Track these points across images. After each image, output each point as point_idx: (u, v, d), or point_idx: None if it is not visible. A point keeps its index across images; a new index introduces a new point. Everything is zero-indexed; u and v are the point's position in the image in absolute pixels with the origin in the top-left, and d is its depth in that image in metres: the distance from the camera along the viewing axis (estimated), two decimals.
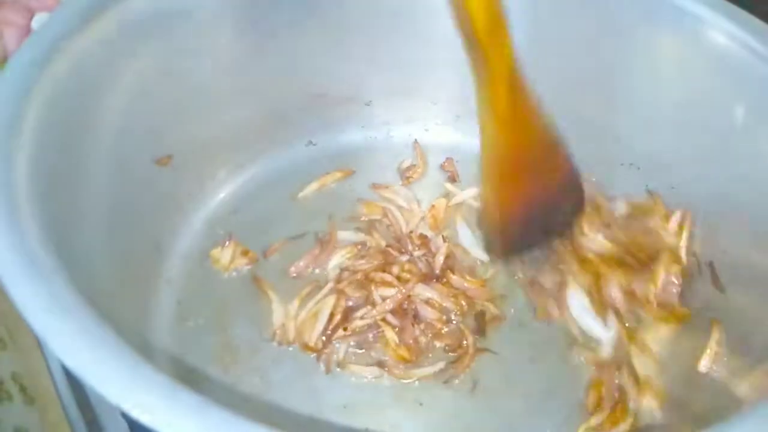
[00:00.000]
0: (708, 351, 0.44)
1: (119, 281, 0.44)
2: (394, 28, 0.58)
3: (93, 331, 0.25)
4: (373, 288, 0.51)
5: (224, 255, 0.53)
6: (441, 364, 0.48)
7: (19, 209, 0.29)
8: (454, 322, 0.51)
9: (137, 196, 0.47)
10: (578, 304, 0.51)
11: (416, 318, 0.50)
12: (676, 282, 0.51)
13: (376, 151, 0.64)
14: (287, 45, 0.55)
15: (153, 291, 0.50)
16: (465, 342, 0.49)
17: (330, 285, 0.52)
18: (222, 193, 0.57)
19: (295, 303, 0.51)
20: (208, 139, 0.54)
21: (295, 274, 0.53)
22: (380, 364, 0.48)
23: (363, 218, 0.58)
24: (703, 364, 0.44)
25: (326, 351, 0.48)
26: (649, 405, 0.47)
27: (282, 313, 0.50)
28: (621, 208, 0.56)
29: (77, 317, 0.25)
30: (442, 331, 0.50)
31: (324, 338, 0.49)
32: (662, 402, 0.47)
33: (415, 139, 0.64)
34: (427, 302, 0.51)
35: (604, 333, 0.50)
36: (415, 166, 0.63)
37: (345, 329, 0.49)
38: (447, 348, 0.50)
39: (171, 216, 0.53)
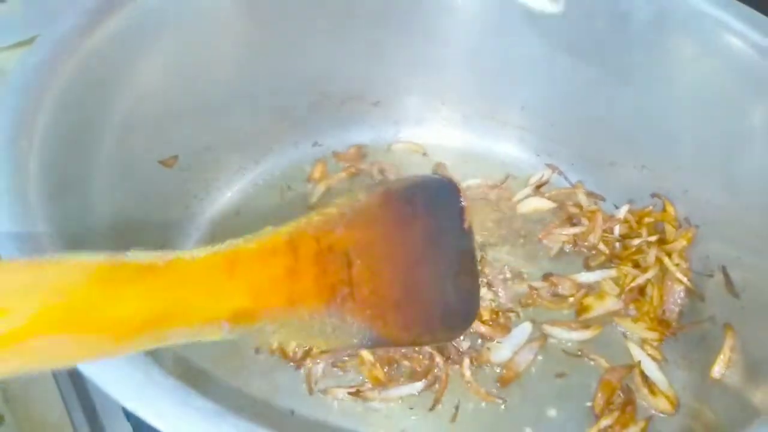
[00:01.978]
0: (721, 357, 0.44)
1: None
2: (402, 28, 0.57)
3: None
4: None
5: None
6: (419, 385, 0.46)
7: (31, 212, 0.29)
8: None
9: (143, 197, 0.46)
10: None
11: None
12: (679, 301, 0.50)
13: (383, 152, 0.63)
14: (294, 45, 0.54)
15: None
16: (437, 367, 0.47)
17: None
18: (228, 193, 0.57)
19: None
20: (214, 139, 0.54)
21: None
22: (357, 390, 0.46)
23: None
24: (717, 370, 0.44)
25: (305, 362, 0.47)
26: (661, 410, 0.46)
27: None
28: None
29: None
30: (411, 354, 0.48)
31: (303, 349, 0.48)
32: (675, 407, 0.46)
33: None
34: None
35: None
36: None
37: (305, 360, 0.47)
38: (413, 372, 0.47)
39: (176, 217, 0.53)
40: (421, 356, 0.48)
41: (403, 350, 0.48)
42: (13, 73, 0.34)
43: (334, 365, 0.47)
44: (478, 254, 0.54)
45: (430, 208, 0.36)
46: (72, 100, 0.37)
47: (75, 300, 0.21)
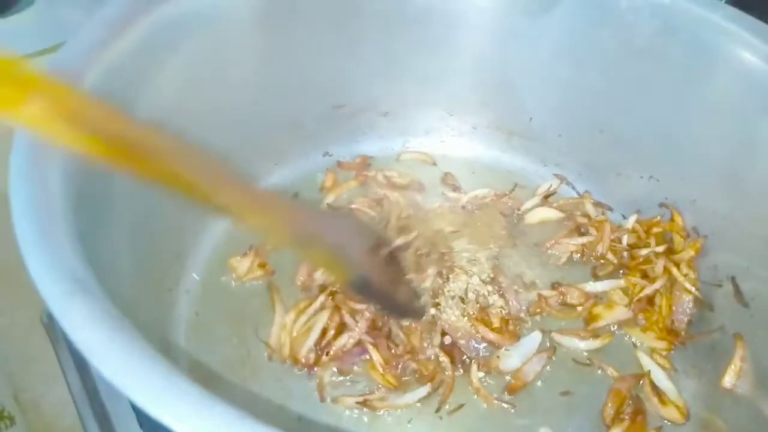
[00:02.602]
0: (732, 367, 0.44)
1: (140, 292, 0.44)
2: (411, 40, 0.58)
3: (128, 344, 0.25)
4: (343, 309, 0.50)
5: (242, 264, 0.54)
6: (424, 390, 0.47)
7: (53, 221, 0.29)
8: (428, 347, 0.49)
9: (159, 207, 0.47)
10: None
11: (390, 337, 0.49)
12: (688, 311, 0.51)
13: (392, 161, 0.64)
14: (306, 57, 0.55)
15: (172, 301, 0.50)
16: (446, 372, 0.48)
17: (321, 299, 0.51)
18: None
19: (291, 316, 0.50)
20: (228, 149, 0.54)
21: (299, 284, 0.53)
22: (365, 400, 0.46)
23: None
24: (728, 380, 0.44)
25: (316, 368, 0.48)
26: (671, 420, 0.46)
27: (279, 327, 0.50)
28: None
29: (112, 329, 0.25)
30: (418, 356, 0.48)
31: (315, 354, 0.48)
32: (685, 417, 0.46)
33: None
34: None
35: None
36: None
37: (327, 353, 0.48)
38: (420, 375, 0.48)
39: (191, 226, 0.53)
40: (428, 360, 0.48)
41: (408, 354, 0.48)
42: None
43: (341, 372, 0.48)
44: (492, 262, 0.55)
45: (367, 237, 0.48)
46: None
47: None
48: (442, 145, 0.65)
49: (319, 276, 0.53)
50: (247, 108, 0.54)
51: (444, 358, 0.48)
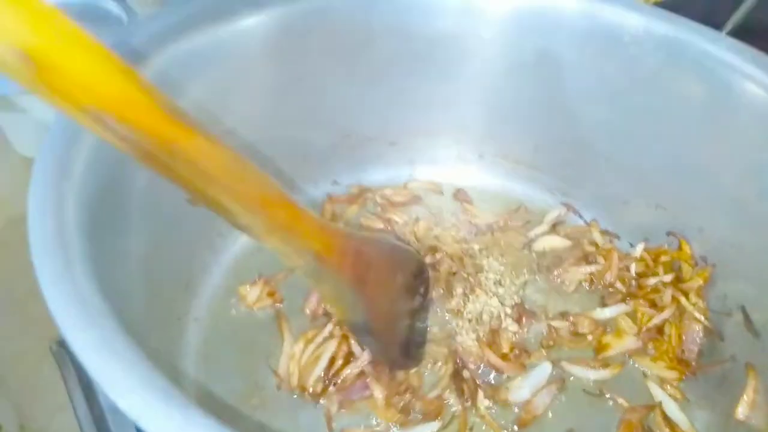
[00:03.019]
0: (745, 397, 0.44)
1: (151, 321, 0.44)
2: (419, 72, 0.59)
3: (143, 375, 0.25)
4: (351, 338, 0.49)
5: (252, 293, 0.54)
6: (435, 425, 0.46)
7: (69, 253, 0.30)
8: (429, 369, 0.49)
9: (171, 235, 0.47)
10: None
11: (392, 373, 0.49)
12: (698, 341, 0.50)
13: (399, 189, 0.64)
14: (315, 88, 0.56)
15: (181, 330, 0.50)
16: (455, 407, 0.47)
17: (329, 327, 0.51)
18: None
19: (300, 345, 0.50)
20: None
21: (308, 313, 0.53)
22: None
23: None
24: (741, 411, 0.44)
25: (323, 398, 0.47)
26: None
27: (288, 356, 0.50)
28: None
29: (127, 361, 0.26)
30: (422, 395, 0.48)
31: (323, 384, 0.48)
32: None
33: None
34: None
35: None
36: None
37: (335, 384, 0.48)
38: (424, 414, 0.47)
39: (201, 254, 0.54)
40: (432, 399, 0.48)
41: (409, 392, 0.48)
42: (57, 118, 0.36)
43: (341, 406, 0.47)
44: (520, 287, 0.56)
45: (406, 268, 0.48)
46: (106, 145, 0.38)
47: None
48: (448, 174, 0.66)
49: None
50: (257, 137, 0.55)
51: (448, 395, 0.48)
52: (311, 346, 0.50)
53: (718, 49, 0.49)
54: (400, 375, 0.49)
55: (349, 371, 0.48)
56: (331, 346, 0.50)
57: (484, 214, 0.62)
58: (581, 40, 0.54)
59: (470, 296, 0.53)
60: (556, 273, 0.57)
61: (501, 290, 0.55)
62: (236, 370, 0.49)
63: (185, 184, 0.30)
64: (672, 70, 0.51)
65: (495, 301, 0.54)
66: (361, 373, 0.48)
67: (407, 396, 0.47)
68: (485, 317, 0.52)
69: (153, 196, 0.44)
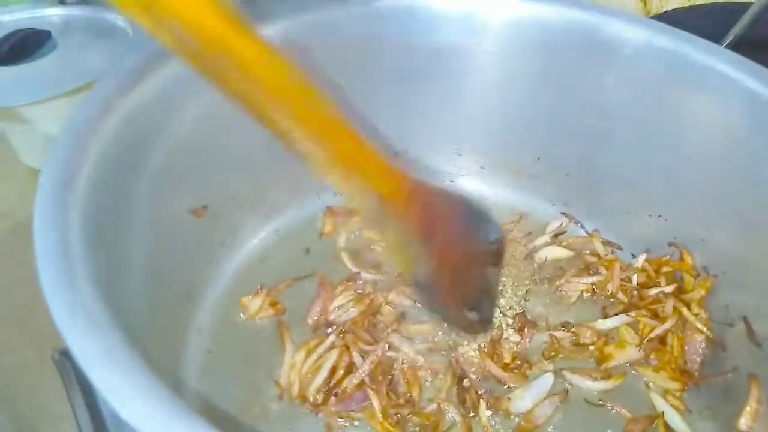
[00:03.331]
0: (748, 408, 0.44)
1: (153, 331, 0.44)
2: (420, 83, 0.59)
3: (146, 386, 0.25)
4: (353, 348, 0.50)
5: (254, 303, 0.54)
6: None
7: (74, 264, 0.30)
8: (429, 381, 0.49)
9: (173, 247, 0.48)
10: None
11: (391, 385, 0.49)
12: (701, 351, 0.50)
13: None
14: None
15: (184, 340, 0.51)
16: (457, 417, 0.47)
17: (331, 338, 0.51)
18: (254, 240, 0.59)
19: (302, 355, 0.50)
20: (241, 189, 0.56)
21: (311, 323, 0.53)
22: None
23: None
24: (744, 423, 0.43)
25: (324, 408, 0.47)
26: None
27: (289, 366, 0.50)
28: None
29: (130, 371, 0.26)
30: (420, 408, 0.47)
31: (324, 394, 0.48)
32: None
33: None
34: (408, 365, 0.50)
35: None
36: None
37: (336, 394, 0.48)
38: (421, 428, 0.47)
39: (204, 265, 0.54)
40: (431, 412, 0.48)
41: (408, 405, 0.48)
42: (63, 131, 0.36)
43: (340, 416, 0.47)
44: (521, 297, 0.56)
45: (480, 231, 0.46)
46: (112, 155, 0.39)
47: None
48: (450, 185, 0.66)
49: (332, 314, 0.53)
50: (260, 149, 0.55)
51: (448, 406, 0.48)
52: (313, 356, 0.50)
53: (718, 62, 0.49)
54: (402, 386, 0.49)
55: (350, 382, 0.48)
56: (333, 356, 0.50)
57: None
58: (582, 52, 0.54)
59: None
60: (557, 284, 0.57)
61: (502, 300, 0.55)
62: (238, 380, 0.49)
63: (241, 99, 0.29)
64: (672, 82, 0.51)
65: (496, 311, 0.54)
66: (361, 383, 0.48)
67: (405, 410, 0.47)
68: None
69: (156, 208, 0.45)
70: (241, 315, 0.54)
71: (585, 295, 0.57)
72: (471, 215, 0.45)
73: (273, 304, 0.54)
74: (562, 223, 0.63)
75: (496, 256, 0.49)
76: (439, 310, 0.46)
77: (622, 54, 0.52)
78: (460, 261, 0.43)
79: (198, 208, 0.51)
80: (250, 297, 0.54)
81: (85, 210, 0.34)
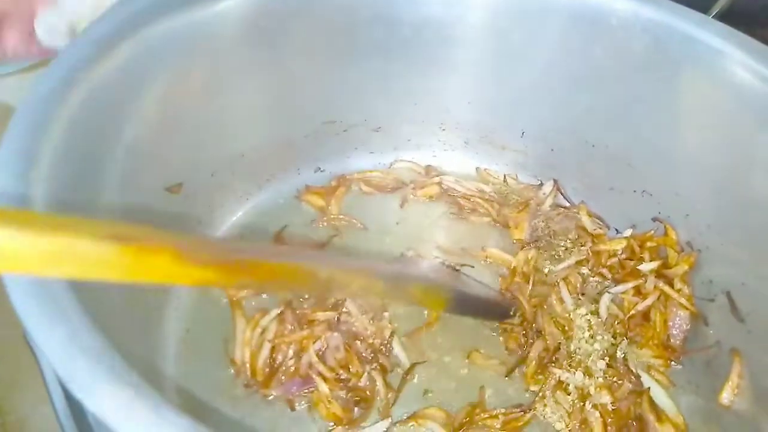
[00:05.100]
0: (729, 383, 0.44)
1: (128, 311, 0.43)
2: (403, 58, 0.58)
3: (115, 373, 0.24)
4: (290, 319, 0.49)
5: None
6: (384, 424, 0.45)
7: None
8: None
9: (149, 224, 0.46)
10: None
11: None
12: (684, 327, 0.50)
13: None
14: (296, 73, 0.55)
15: (161, 320, 0.49)
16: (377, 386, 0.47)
17: (275, 311, 0.50)
18: (232, 218, 0.57)
19: (248, 332, 0.49)
20: (218, 166, 0.54)
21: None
22: None
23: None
24: (725, 397, 0.44)
25: (272, 383, 0.47)
26: None
27: (242, 343, 0.49)
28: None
29: (97, 359, 0.24)
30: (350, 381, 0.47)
31: (269, 371, 0.48)
32: None
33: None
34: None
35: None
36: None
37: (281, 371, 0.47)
38: (354, 398, 0.46)
39: None
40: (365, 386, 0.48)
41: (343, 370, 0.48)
42: (22, 104, 0.34)
43: (289, 405, 0.46)
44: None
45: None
46: (79, 130, 0.37)
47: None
48: (434, 160, 0.65)
49: None
50: (237, 123, 0.54)
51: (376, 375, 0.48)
52: (257, 330, 0.49)
53: (705, 33, 0.48)
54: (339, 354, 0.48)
55: (293, 359, 0.48)
56: (273, 327, 0.49)
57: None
58: (568, 24, 0.53)
59: None
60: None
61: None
62: (217, 359, 0.49)
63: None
64: (659, 54, 0.50)
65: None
66: (309, 366, 0.47)
67: (351, 380, 0.47)
68: None
69: (128, 185, 0.43)
70: (221, 294, 0.52)
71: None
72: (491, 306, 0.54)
73: None
74: (550, 188, 0.62)
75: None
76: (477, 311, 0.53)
77: (609, 25, 0.51)
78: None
79: (173, 186, 0.49)
80: None
81: (49, 187, 0.33)
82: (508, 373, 0.49)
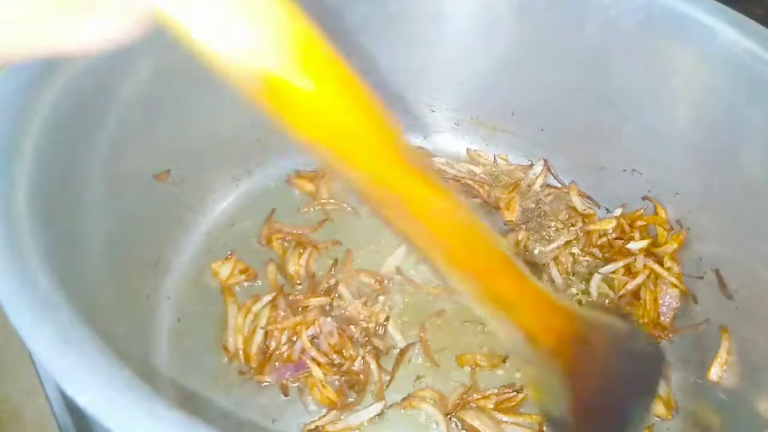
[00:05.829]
0: (718, 359, 0.44)
1: (119, 301, 0.43)
2: (391, 35, 0.57)
3: (103, 368, 0.24)
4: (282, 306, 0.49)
5: (224, 269, 0.52)
6: (377, 407, 0.46)
7: (21, 240, 0.28)
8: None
9: (137, 213, 0.46)
10: None
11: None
12: (674, 304, 0.51)
13: None
14: None
15: (153, 309, 0.49)
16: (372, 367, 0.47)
17: (267, 297, 0.50)
18: (223, 204, 0.56)
19: (240, 318, 0.49)
20: (206, 152, 0.53)
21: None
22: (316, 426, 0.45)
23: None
24: (714, 373, 0.44)
25: (266, 369, 0.47)
26: (658, 415, 0.46)
27: (234, 329, 0.49)
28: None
29: (85, 353, 0.24)
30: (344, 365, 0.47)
31: (262, 356, 0.48)
32: (671, 411, 0.46)
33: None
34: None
35: None
36: None
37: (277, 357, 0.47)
38: (348, 382, 0.47)
39: (170, 231, 0.52)
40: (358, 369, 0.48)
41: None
42: (1, 94, 0.33)
43: (283, 390, 0.46)
44: None
45: (639, 367, 0.40)
46: (59, 121, 0.36)
47: None
48: (424, 142, 0.65)
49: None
50: (225, 108, 0.52)
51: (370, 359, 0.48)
52: (249, 316, 0.49)
53: (697, 10, 0.48)
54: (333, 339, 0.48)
55: (287, 345, 0.48)
56: (265, 313, 0.49)
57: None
58: (559, 2, 0.52)
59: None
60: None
61: None
62: (210, 346, 0.49)
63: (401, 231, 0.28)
64: (650, 31, 0.50)
65: None
66: (302, 351, 0.48)
67: (345, 364, 0.47)
68: None
69: (114, 174, 0.42)
70: (212, 281, 0.52)
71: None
72: (632, 350, 0.40)
73: (243, 271, 0.53)
74: (541, 168, 0.61)
75: (652, 384, 0.43)
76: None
77: (600, 3, 0.50)
78: (607, 399, 0.37)
79: (161, 173, 0.49)
80: (220, 263, 0.53)
81: (32, 179, 0.32)
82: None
